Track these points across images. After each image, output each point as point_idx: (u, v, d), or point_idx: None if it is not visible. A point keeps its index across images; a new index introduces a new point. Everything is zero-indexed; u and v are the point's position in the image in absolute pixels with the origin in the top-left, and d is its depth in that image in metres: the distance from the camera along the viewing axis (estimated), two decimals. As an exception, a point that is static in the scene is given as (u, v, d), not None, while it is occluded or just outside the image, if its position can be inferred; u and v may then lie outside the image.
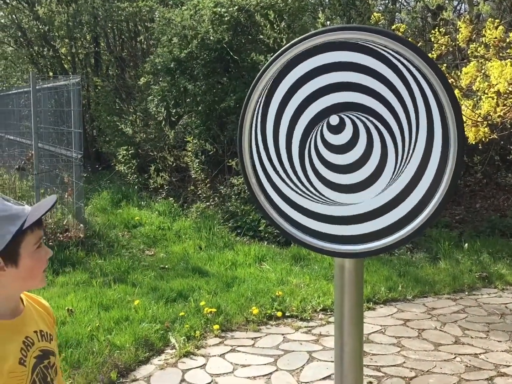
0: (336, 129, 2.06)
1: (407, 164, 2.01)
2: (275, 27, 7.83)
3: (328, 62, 2.04)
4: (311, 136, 2.10)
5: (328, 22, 7.79)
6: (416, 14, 10.14)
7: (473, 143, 3.99)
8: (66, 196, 8.22)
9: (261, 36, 8.79)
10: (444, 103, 1.92)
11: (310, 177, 2.13)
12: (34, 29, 14.70)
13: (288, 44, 2.09)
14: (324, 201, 2.12)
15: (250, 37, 10.00)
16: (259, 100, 2.15)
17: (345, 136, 2.05)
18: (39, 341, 1.68)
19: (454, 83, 4.25)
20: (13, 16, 15.32)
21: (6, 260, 1.55)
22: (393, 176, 2.02)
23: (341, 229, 2.11)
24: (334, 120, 2.06)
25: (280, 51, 2.10)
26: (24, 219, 1.57)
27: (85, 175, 10.60)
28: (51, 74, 15.14)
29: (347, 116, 2.04)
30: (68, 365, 4.20)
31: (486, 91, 3.84)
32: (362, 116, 2.02)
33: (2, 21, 16.05)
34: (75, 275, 6.26)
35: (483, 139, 3.95)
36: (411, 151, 1.99)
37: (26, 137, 10.20)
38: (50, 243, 7.06)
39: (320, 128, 2.09)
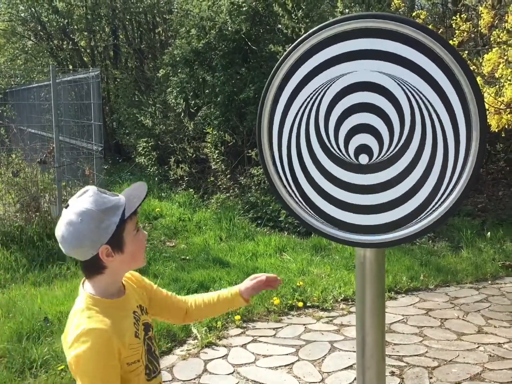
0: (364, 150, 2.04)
1: (427, 153, 1.98)
2: (293, 16, 7.78)
3: (346, 51, 2.03)
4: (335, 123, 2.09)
5: (347, 10, 7.72)
6: (437, 0, 10.00)
7: (496, 130, 3.93)
8: (87, 189, 8.27)
9: (280, 26, 8.74)
10: (466, 91, 1.89)
11: (331, 164, 2.12)
12: (54, 23, 14.80)
13: (306, 34, 2.07)
14: (346, 188, 2.10)
15: (268, 27, 9.95)
16: (278, 91, 2.14)
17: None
18: (142, 314, 1.83)
19: (476, 70, 4.19)
20: (33, 9, 15.44)
21: (113, 247, 1.68)
22: (413, 163, 2.00)
23: (362, 219, 2.09)
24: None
25: (297, 41, 2.09)
26: (123, 208, 1.69)
27: (105, 167, 10.68)
28: (70, 67, 15.24)
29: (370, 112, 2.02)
30: (92, 355, 4.24)
31: (509, 78, 3.77)
32: (381, 97, 2.01)
33: (22, 15, 16.18)
34: (97, 266, 6.31)
35: (506, 126, 3.89)
36: (431, 139, 1.97)
37: (47, 130, 10.29)
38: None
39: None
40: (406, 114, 1.99)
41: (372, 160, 2.05)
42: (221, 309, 2.16)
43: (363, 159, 2.07)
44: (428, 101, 1.96)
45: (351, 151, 2.07)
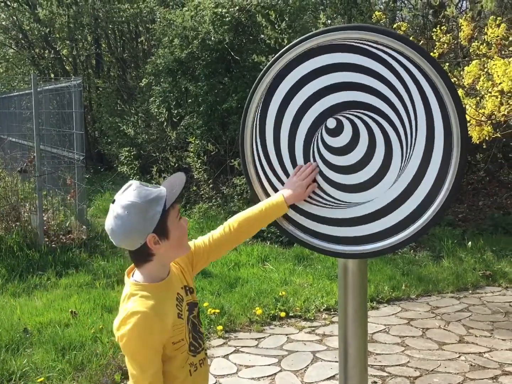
0: (335, 132, 2.05)
1: (410, 164, 1.99)
2: (276, 27, 7.81)
3: (327, 63, 2.04)
4: (313, 137, 2.09)
5: (329, 21, 7.78)
6: (417, 12, 10.12)
7: (477, 142, 3.96)
8: (68, 198, 8.22)
9: (262, 36, 8.78)
10: (448, 103, 1.90)
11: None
12: (35, 31, 14.72)
13: (289, 45, 2.08)
14: (327, 202, 2.11)
15: (251, 37, 9.99)
16: (260, 101, 2.14)
17: (344, 138, 2.04)
18: (186, 295, 1.94)
19: (456, 82, 4.23)
20: (14, 18, 15.33)
21: (160, 235, 1.79)
22: (398, 174, 2.01)
23: (344, 230, 2.09)
24: (331, 123, 2.05)
25: (280, 52, 2.09)
26: (165, 198, 1.79)
27: (87, 176, 10.60)
28: (52, 76, 15.15)
29: (345, 117, 2.03)
30: (72, 367, 4.19)
31: (489, 90, 3.81)
32: (364, 114, 2.01)
33: (4, 23, 16.06)
34: (78, 277, 6.26)
35: (487, 138, 3.92)
36: (413, 151, 1.98)
37: (28, 139, 10.21)
38: (53, 245, 7.06)
39: (320, 131, 2.08)
40: (386, 127, 2.00)
41: (356, 172, 2.07)
42: (267, 221, 2.15)
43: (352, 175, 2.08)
44: (414, 112, 1.98)
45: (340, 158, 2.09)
